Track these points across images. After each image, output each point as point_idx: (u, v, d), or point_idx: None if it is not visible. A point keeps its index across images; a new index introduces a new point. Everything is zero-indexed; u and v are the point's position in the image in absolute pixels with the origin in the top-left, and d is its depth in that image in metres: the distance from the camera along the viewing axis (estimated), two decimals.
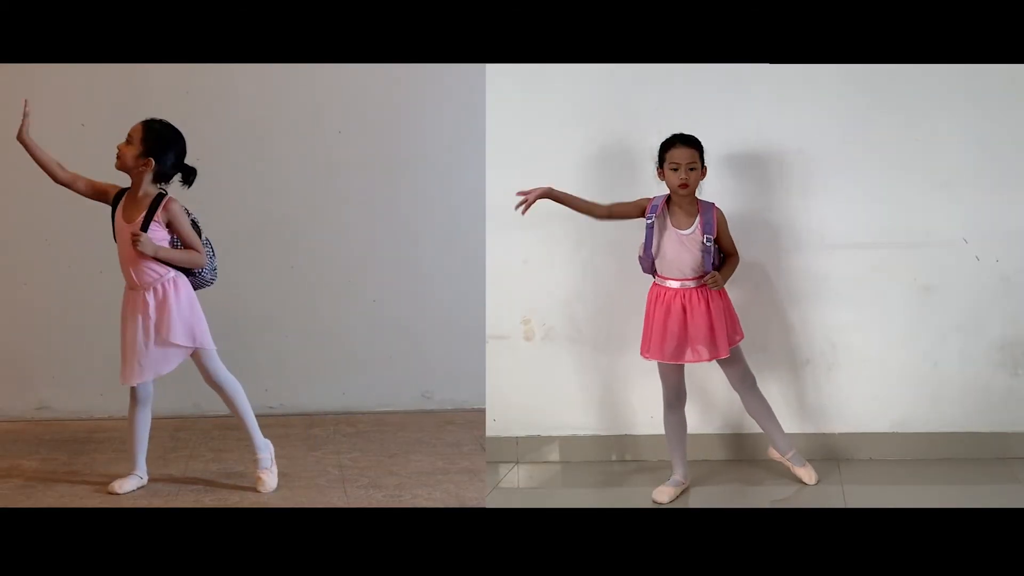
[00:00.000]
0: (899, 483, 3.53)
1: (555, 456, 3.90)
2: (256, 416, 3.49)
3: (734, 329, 3.44)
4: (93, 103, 4.29)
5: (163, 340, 3.30)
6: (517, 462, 3.90)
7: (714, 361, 3.43)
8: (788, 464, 3.52)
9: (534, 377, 3.87)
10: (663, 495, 3.44)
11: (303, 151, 4.36)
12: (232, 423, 4.24)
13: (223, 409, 4.32)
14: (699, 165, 3.36)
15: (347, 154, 4.40)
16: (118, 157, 3.28)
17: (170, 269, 3.32)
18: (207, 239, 3.41)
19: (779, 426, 3.53)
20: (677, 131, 3.49)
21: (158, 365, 3.34)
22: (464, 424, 4.31)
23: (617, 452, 3.87)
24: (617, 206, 3.45)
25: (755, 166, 3.62)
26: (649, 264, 3.44)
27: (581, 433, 3.88)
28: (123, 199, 3.32)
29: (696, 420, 3.81)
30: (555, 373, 3.86)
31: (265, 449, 3.47)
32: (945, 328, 3.72)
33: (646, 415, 3.83)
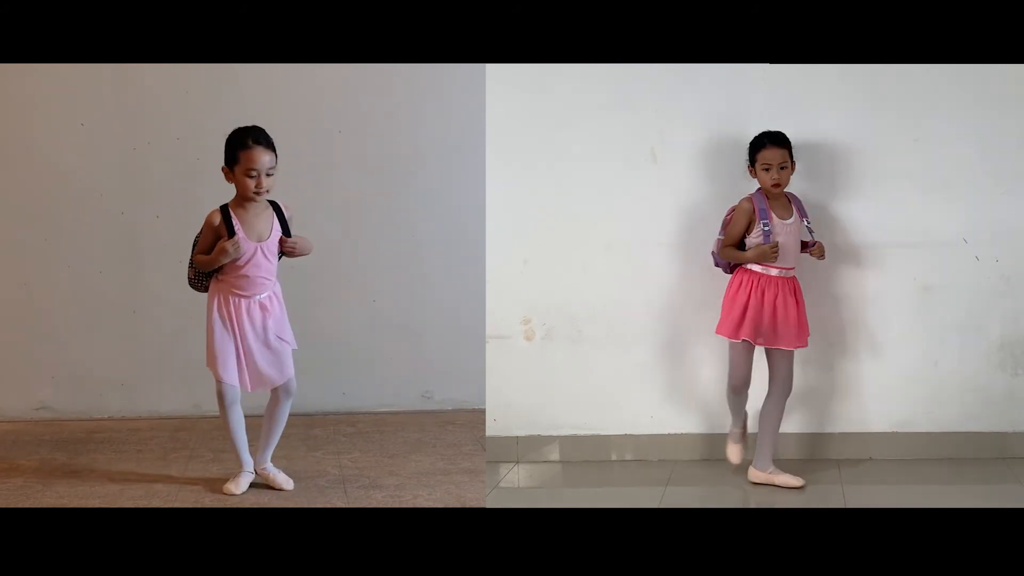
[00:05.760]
0: (899, 483, 3.53)
1: (555, 456, 3.89)
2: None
3: (805, 327, 3.52)
4: (93, 103, 4.29)
5: (276, 342, 3.35)
6: (517, 462, 3.90)
7: (763, 357, 3.53)
8: (771, 480, 3.49)
9: (534, 377, 3.87)
10: (735, 456, 3.60)
11: (303, 151, 4.36)
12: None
13: None
14: (789, 163, 3.43)
15: (347, 154, 4.40)
16: (267, 190, 3.40)
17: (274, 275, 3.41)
18: None
19: (774, 444, 3.52)
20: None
21: (272, 368, 3.37)
22: (464, 424, 4.31)
23: (617, 452, 3.87)
24: (729, 237, 3.47)
25: None
26: (726, 264, 3.53)
27: (581, 433, 3.88)
28: (235, 216, 3.36)
29: (693, 420, 3.81)
30: (555, 373, 3.86)
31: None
32: (945, 328, 3.72)
33: (646, 415, 3.83)
